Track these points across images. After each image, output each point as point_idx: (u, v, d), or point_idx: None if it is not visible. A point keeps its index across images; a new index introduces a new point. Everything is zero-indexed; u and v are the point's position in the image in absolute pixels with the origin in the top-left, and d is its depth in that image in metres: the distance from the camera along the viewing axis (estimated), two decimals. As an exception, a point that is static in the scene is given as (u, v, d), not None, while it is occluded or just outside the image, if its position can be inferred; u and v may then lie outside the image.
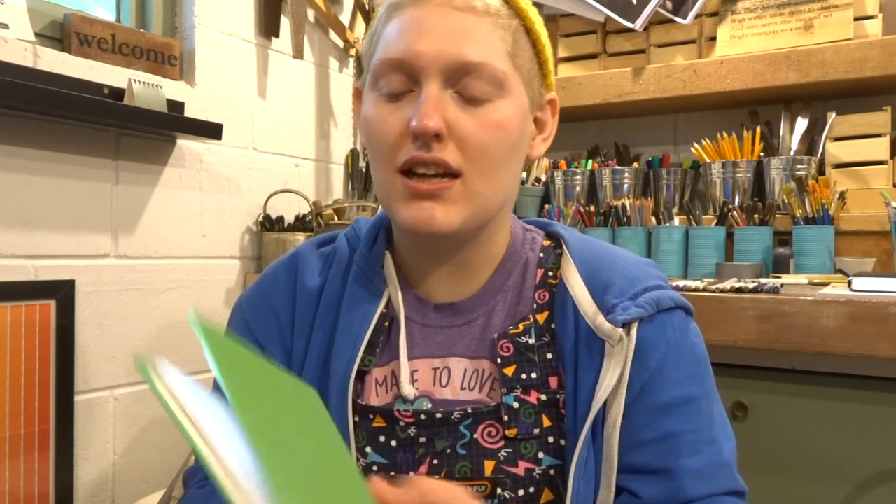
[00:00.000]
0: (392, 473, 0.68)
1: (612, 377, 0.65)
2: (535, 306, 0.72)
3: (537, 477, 0.66)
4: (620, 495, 0.66)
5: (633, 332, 0.66)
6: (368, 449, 0.69)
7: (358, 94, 0.75)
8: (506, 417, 0.67)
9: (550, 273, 0.73)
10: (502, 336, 0.70)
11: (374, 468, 0.69)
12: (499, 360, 0.69)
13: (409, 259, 0.75)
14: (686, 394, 0.67)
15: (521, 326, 0.71)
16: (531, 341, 0.70)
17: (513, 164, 0.70)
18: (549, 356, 0.70)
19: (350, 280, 0.75)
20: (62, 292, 1.32)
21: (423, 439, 0.68)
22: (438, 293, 0.74)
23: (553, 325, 0.70)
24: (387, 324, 0.73)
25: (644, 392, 0.66)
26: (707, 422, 0.67)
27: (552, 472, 0.67)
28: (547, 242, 0.76)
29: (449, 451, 0.67)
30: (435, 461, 0.67)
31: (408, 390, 0.69)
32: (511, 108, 0.67)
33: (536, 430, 0.67)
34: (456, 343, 0.72)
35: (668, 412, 0.66)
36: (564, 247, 0.74)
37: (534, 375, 0.69)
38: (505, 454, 0.67)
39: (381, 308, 0.73)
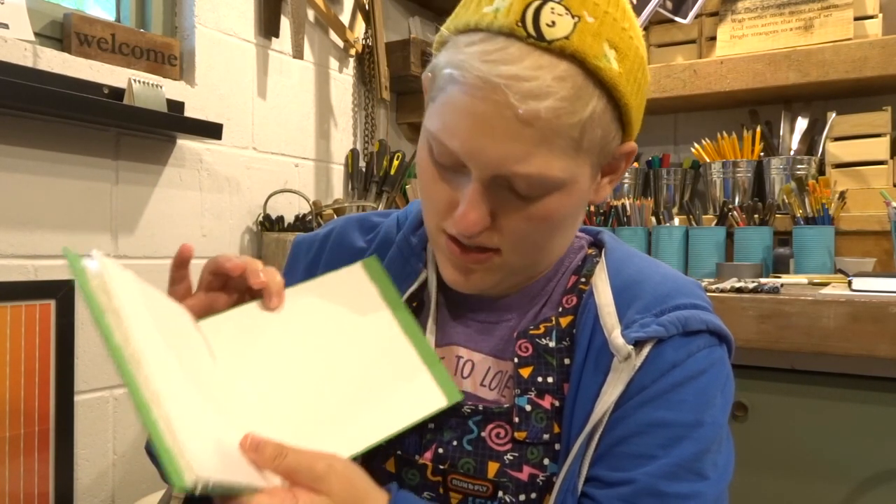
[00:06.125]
0: (398, 452, 0.69)
1: (612, 394, 0.63)
2: (559, 309, 0.70)
3: (540, 483, 0.65)
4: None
5: (644, 351, 0.63)
6: None
7: (426, 87, 0.72)
8: (516, 419, 0.66)
9: (583, 279, 0.71)
10: (522, 335, 0.69)
11: (382, 444, 0.69)
12: (515, 360, 0.68)
13: None
14: (674, 418, 0.62)
15: (542, 328, 0.69)
16: (551, 344, 0.68)
17: (562, 235, 0.68)
18: (567, 361, 0.68)
19: (386, 259, 0.76)
20: (62, 292, 1.32)
21: (431, 425, 0.68)
22: None
23: (575, 331, 0.68)
24: (415, 304, 0.74)
25: (630, 407, 0.63)
26: (692, 454, 0.62)
27: (555, 479, 0.66)
28: (591, 251, 0.75)
29: (455, 443, 0.67)
30: (440, 450, 0.67)
31: None
32: (564, 198, 0.63)
33: (546, 436, 0.66)
34: (485, 339, 0.71)
35: (646, 432, 0.62)
36: (603, 255, 0.72)
37: (550, 380, 0.67)
38: (511, 458, 0.66)
39: (411, 289, 0.73)
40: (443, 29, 0.65)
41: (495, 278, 0.67)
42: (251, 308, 0.65)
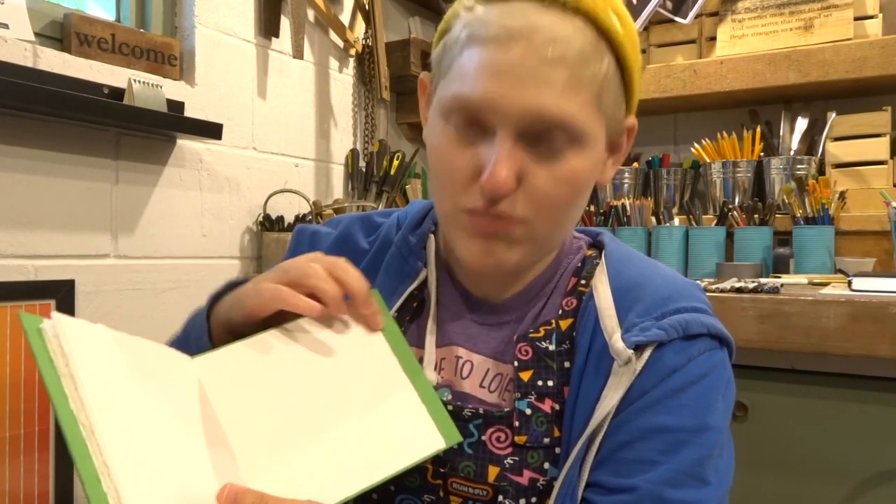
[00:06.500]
0: None
1: (612, 398, 0.62)
2: (560, 312, 0.70)
3: (541, 487, 0.65)
4: None
5: (645, 355, 0.62)
6: None
7: (423, 87, 0.73)
8: (516, 423, 0.66)
9: (583, 282, 0.70)
10: (522, 339, 0.68)
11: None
12: (515, 364, 0.67)
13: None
14: (676, 423, 0.62)
15: (542, 331, 0.69)
16: (551, 347, 0.68)
17: (579, 206, 0.68)
18: (567, 365, 0.67)
19: (386, 259, 0.75)
20: (62, 292, 1.32)
21: None
22: (477, 288, 0.73)
23: (575, 334, 0.67)
24: (415, 304, 0.73)
25: (631, 412, 0.63)
26: (694, 459, 0.61)
27: (556, 483, 0.65)
28: (590, 252, 0.74)
29: (455, 446, 0.66)
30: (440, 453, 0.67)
31: (431, 376, 0.69)
32: (586, 159, 0.63)
33: (546, 440, 0.66)
34: (484, 341, 0.71)
35: (647, 437, 0.62)
36: (603, 256, 0.71)
37: (550, 383, 0.67)
38: (511, 462, 0.65)
39: (411, 288, 0.73)
40: (450, 10, 0.67)
41: (518, 253, 0.65)
42: (250, 343, 0.64)
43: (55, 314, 0.53)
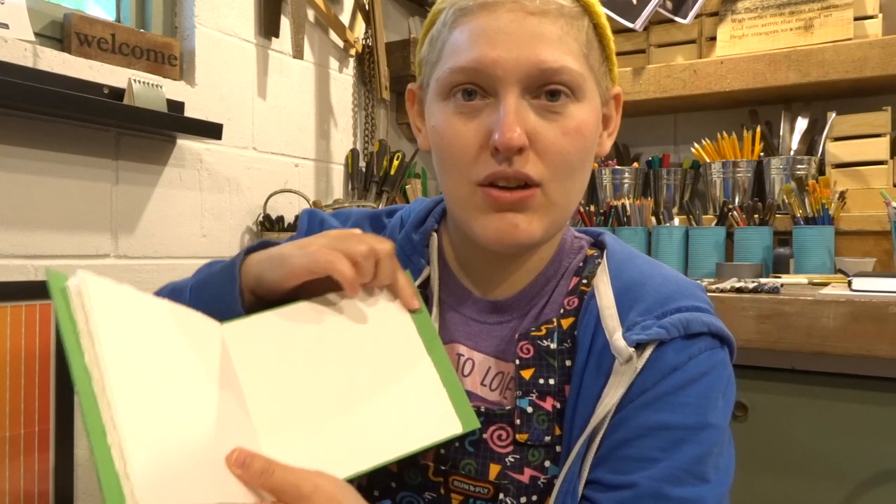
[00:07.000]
0: None
1: (613, 396, 0.62)
2: (561, 311, 0.70)
3: (541, 485, 0.65)
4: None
5: (646, 353, 0.63)
6: None
7: (412, 97, 0.74)
8: (518, 421, 0.66)
9: (584, 281, 0.71)
10: (523, 337, 0.69)
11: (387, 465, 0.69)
12: (517, 362, 0.68)
13: (460, 249, 0.74)
14: (676, 421, 0.62)
15: (543, 329, 0.69)
16: (552, 346, 0.68)
17: (587, 168, 0.69)
18: (569, 363, 0.68)
19: None
20: (62, 292, 1.32)
21: None
22: (479, 287, 0.73)
23: (576, 333, 0.68)
24: None
25: (632, 409, 0.63)
26: (694, 457, 0.61)
27: (556, 481, 0.65)
28: (591, 251, 0.75)
29: (456, 444, 0.67)
30: (442, 451, 0.67)
31: None
32: (587, 111, 0.65)
33: (547, 438, 0.66)
34: (486, 340, 0.71)
35: (647, 434, 0.62)
36: (604, 256, 0.71)
37: (551, 381, 0.67)
38: (512, 460, 0.66)
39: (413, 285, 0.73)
40: (431, 12, 0.69)
41: (538, 223, 0.65)
42: (280, 313, 0.64)
43: (80, 272, 0.53)
